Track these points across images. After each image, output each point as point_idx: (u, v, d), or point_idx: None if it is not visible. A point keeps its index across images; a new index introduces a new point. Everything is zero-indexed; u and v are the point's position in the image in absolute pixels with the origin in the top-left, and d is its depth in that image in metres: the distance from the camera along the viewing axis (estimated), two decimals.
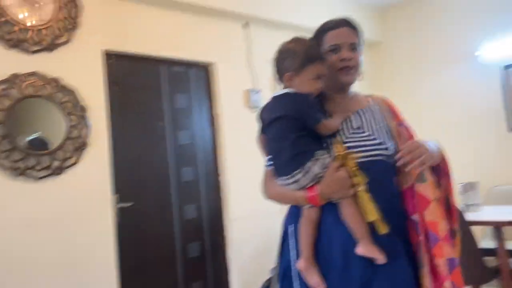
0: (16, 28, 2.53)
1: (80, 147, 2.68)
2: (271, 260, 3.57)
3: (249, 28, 3.77)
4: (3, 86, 2.47)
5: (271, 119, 1.37)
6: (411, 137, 1.44)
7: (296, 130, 1.32)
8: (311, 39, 1.44)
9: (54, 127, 2.67)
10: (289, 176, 1.32)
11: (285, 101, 1.36)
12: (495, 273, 2.79)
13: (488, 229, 3.29)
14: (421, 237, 1.33)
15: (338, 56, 1.39)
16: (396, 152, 1.34)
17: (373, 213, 1.25)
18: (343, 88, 1.46)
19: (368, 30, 4.42)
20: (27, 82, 2.54)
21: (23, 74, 2.54)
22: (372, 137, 1.38)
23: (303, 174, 1.30)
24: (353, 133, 1.39)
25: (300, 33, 1.52)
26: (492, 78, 3.99)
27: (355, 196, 1.28)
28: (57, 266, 2.52)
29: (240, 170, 3.60)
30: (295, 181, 1.31)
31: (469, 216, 2.78)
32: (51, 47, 2.65)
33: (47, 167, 2.56)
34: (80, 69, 2.77)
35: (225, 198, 3.52)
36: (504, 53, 3.88)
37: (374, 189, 1.28)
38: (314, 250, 1.35)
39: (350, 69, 1.40)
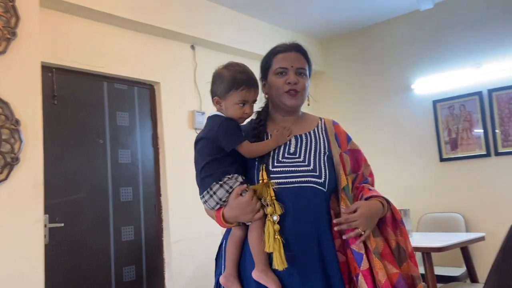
0: None
1: (11, 162, 2.52)
2: (212, 282, 3.51)
3: (196, 50, 3.79)
4: None
5: (195, 141, 1.45)
6: (359, 163, 1.47)
7: (212, 152, 1.36)
8: (243, 65, 1.44)
9: None
10: (200, 196, 1.39)
11: (209, 123, 1.42)
12: None
13: (418, 255, 3.45)
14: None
15: (285, 80, 1.42)
16: (332, 179, 1.38)
17: (271, 247, 1.27)
18: (289, 111, 1.48)
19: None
20: None
21: None
22: (305, 163, 1.38)
23: (210, 196, 1.36)
24: (287, 157, 1.39)
25: (244, 57, 1.56)
26: (426, 110, 4.27)
27: (264, 224, 1.31)
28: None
29: (181, 192, 3.54)
30: (205, 202, 1.38)
31: None
32: None
33: None
34: (16, 81, 2.63)
35: (166, 220, 3.45)
36: (434, 88, 4.17)
37: (299, 214, 1.32)
38: (237, 266, 1.37)
39: (296, 93, 1.43)
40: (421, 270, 2.97)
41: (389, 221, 1.41)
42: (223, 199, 1.35)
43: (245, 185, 1.34)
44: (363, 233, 1.31)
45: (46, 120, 2.78)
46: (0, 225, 2.44)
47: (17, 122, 2.59)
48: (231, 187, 1.34)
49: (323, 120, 1.54)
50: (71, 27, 3.01)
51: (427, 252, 2.85)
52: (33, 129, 2.65)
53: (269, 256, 1.32)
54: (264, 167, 1.36)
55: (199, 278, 3.52)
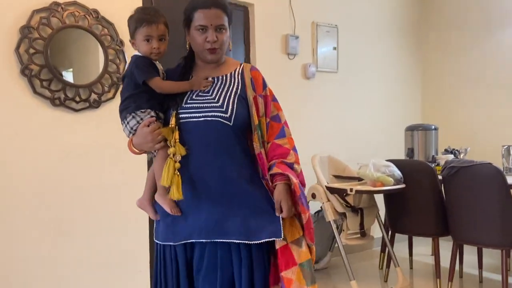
0: None
1: (117, 82, 2.68)
2: None
3: None
4: (43, 14, 2.45)
5: (121, 79, 1.68)
6: (268, 105, 1.60)
7: (130, 88, 1.54)
8: (148, 7, 1.62)
9: (92, 60, 2.67)
10: (121, 125, 1.58)
11: (129, 62, 1.60)
12: None
13: None
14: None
15: (205, 37, 1.53)
16: (239, 115, 1.53)
17: (166, 181, 1.47)
18: (210, 63, 1.61)
19: None
20: (67, 11, 2.51)
21: (64, 3, 2.51)
22: (214, 101, 1.53)
23: (125, 126, 1.55)
24: (200, 95, 1.55)
25: None
26: None
27: (165, 159, 1.50)
28: (91, 195, 2.61)
29: None
30: (124, 131, 1.58)
31: (509, 180, 2.79)
32: None
33: (85, 100, 2.59)
34: (119, 1, 2.71)
35: None
36: None
37: (204, 145, 1.50)
38: (152, 193, 1.61)
39: (215, 49, 1.54)
40: None
41: (297, 198, 1.54)
42: (134, 128, 1.53)
43: (153, 118, 1.52)
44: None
45: None
46: (110, 138, 2.65)
47: (122, 42, 2.70)
48: (141, 119, 1.52)
49: (242, 65, 1.65)
50: None
51: None
52: (133, 51, 2.76)
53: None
54: (175, 113, 1.52)
55: None
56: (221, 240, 1.49)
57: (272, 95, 1.65)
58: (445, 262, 3.23)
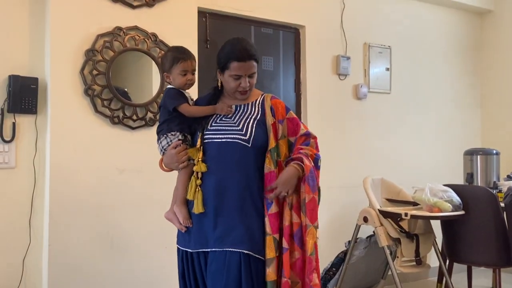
0: None
1: None
2: (347, 232, 3.44)
3: None
4: (107, 38, 2.59)
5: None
6: (296, 128, 1.80)
7: (165, 115, 1.82)
8: (181, 46, 1.89)
9: (147, 80, 2.78)
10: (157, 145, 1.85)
11: (163, 94, 1.88)
12: None
13: None
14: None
15: (238, 83, 1.75)
16: (258, 138, 1.72)
17: (191, 196, 1.72)
18: None
19: None
20: (128, 36, 2.64)
21: (126, 28, 2.65)
22: (235, 125, 1.74)
23: (158, 144, 1.82)
24: (223, 120, 1.77)
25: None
26: None
27: (189, 176, 1.75)
28: (145, 209, 2.68)
29: (322, 139, 3.51)
30: (158, 148, 1.83)
31: None
32: (150, 2, 2.72)
33: (142, 118, 2.69)
34: (175, 25, 2.83)
35: None
36: None
37: (224, 163, 1.70)
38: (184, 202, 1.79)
39: (246, 91, 1.78)
40: None
41: (305, 178, 1.73)
42: (165, 148, 1.79)
43: (179, 142, 1.77)
44: (286, 194, 1.70)
45: (199, 62, 2.95)
46: None
47: None
48: (171, 140, 1.77)
49: (263, 96, 1.85)
50: None
51: None
52: None
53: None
54: (201, 135, 1.74)
55: (336, 227, 3.55)
56: (231, 249, 1.65)
57: (295, 117, 1.84)
58: None
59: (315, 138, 1.85)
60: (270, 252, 1.66)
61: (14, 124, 2.44)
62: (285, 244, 1.68)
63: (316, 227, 1.71)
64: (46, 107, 2.50)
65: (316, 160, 1.78)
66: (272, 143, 1.73)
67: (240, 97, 1.79)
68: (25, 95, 2.42)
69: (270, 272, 1.65)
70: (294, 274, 1.69)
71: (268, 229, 1.68)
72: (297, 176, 1.71)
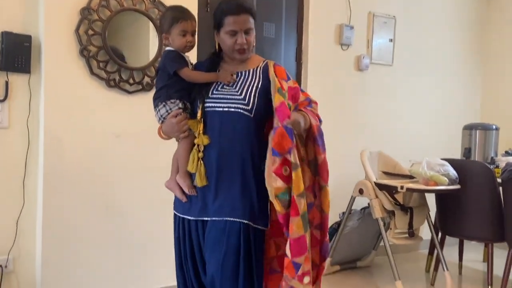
0: None
1: None
2: (341, 204, 3.47)
3: None
4: None
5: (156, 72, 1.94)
6: (297, 96, 1.73)
7: (163, 79, 1.71)
8: (180, 6, 1.79)
9: (144, 43, 2.70)
10: (154, 112, 1.76)
11: (162, 57, 1.79)
12: None
13: None
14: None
15: (234, 40, 1.66)
16: (260, 108, 1.66)
17: (193, 168, 1.67)
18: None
19: None
20: None
21: None
22: (237, 93, 1.67)
23: (156, 113, 1.73)
24: (225, 88, 1.69)
25: None
26: None
27: (190, 145, 1.69)
28: (141, 175, 2.66)
29: (322, 109, 3.48)
30: (155, 117, 1.75)
31: None
32: None
33: (139, 82, 2.63)
34: None
35: None
36: None
37: (225, 134, 1.65)
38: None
39: (244, 50, 1.69)
40: None
41: (311, 136, 1.71)
42: (164, 116, 1.70)
43: (180, 110, 1.68)
44: (302, 125, 1.64)
45: (199, 26, 2.87)
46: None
47: None
48: (171, 109, 1.69)
49: (265, 62, 1.77)
50: None
51: None
52: None
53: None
54: (201, 106, 1.67)
55: (331, 198, 3.54)
56: (231, 219, 1.63)
57: (299, 86, 1.78)
58: (496, 270, 3.05)
59: (316, 103, 1.80)
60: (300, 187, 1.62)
61: (7, 83, 2.38)
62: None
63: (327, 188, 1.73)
64: (40, 66, 2.43)
65: (320, 122, 1.75)
66: (275, 102, 1.64)
67: (238, 57, 1.70)
68: (18, 53, 2.35)
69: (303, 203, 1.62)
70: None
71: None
72: (304, 121, 1.66)
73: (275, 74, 1.70)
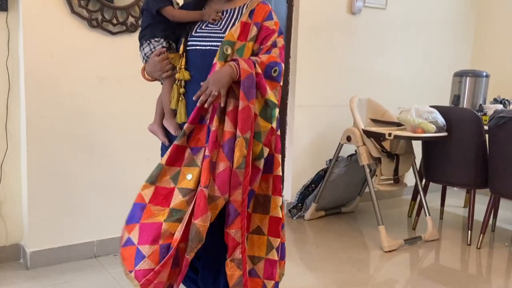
0: None
1: None
2: (329, 151, 3.54)
3: None
4: None
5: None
6: (264, 38, 1.61)
7: (148, 19, 1.69)
8: None
9: None
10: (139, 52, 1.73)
11: None
12: None
13: None
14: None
15: None
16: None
17: (174, 104, 1.64)
18: None
19: None
20: None
21: None
22: (221, 31, 1.62)
23: (140, 52, 1.71)
24: (209, 26, 1.65)
25: None
26: None
27: (172, 86, 1.65)
28: (125, 119, 2.62)
29: (311, 56, 3.42)
30: (140, 55, 1.72)
31: None
32: None
33: (122, 23, 2.52)
34: None
35: (292, 83, 3.42)
36: None
37: (207, 70, 1.55)
38: (162, 118, 1.74)
39: None
40: None
41: (240, 83, 1.53)
42: (147, 55, 1.68)
43: (164, 49, 1.65)
44: (216, 93, 1.50)
45: None
46: None
47: None
48: (155, 48, 1.66)
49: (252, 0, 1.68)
50: None
51: None
52: None
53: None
54: (184, 41, 1.64)
55: (318, 145, 3.57)
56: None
57: (278, 28, 1.65)
58: (477, 215, 3.15)
59: (281, 47, 1.64)
60: (191, 183, 1.51)
61: None
62: (206, 152, 1.50)
63: (246, 139, 1.51)
64: (18, 3, 2.30)
65: (269, 68, 1.57)
66: (229, 36, 1.56)
67: None
68: None
69: (182, 201, 1.51)
70: (216, 187, 1.50)
71: (199, 162, 1.52)
72: (230, 76, 1.51)
73: (254, 10, 1.62)
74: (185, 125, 1.57)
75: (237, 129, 1.51)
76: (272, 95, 1.57)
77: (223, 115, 1.54)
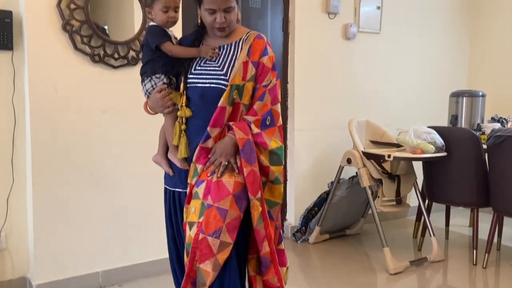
0: None
1: None
2: (328, 176, 3.56)
3: None
4: None
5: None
6: (260, 76, 1.67)
7: (148, 55, 1.73)
8: None
9: (128, 17, 2.66)
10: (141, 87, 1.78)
11: (146, 31, 1.82)
12: None
13: None
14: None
15: (213, 18, 1.65)
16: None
17: (176, 140, 1.70)
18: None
19: None
20: None
21: None
22: (219, 68, 1.67)
23: (143, 87, 1.76)
24: (207, 63, 1.70)
25: None
26: None
27: (174, 120, 1.71)
28: (129, 150, 2.67)
29: (309, 80, 3.49)
30: (142, 91, 1.77)
31: None
32: None
33: (123, 57, 2.60)
34: None
35: (291, 107, 3.48)
36: None
37: (208, 109, 1.64)
38: (165, 149, 1.80)
39: (223, 28, 1.68)
40: None
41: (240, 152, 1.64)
42: (149, 91, 1.73)
43: (165, 86, 1.71)
44: (226, 163, 1.62)
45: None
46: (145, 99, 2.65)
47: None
48: (156, 84, 1.71)
49: (248, 34, 1.73)
50: None
51: None
52: None
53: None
54: (184, 78, 1.69)
55: (319, 168, 3.60)
56: None
57: (272, 64, 1.71)
58: (481, 234, 3.14)
59: (276, 85, 1.70)
60: (194, 216, 1.60)
61: None
62: (209, 201, 1.61)
63: (259, 200, 1.61)
64: (23, 43, 2.39)
65: (263, 121, 1.66)
66: (236, 80, 1.63)
67: (219, 34, 1.69)
68: (0, 29, 2.31)
69: (189, 235, 1.60)
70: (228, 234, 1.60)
71: (200, 194, 1.61)
72: (235, 145, 1.62)
73: (250, 46, 1.67)
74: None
75: (248, 193, 1.60)
76: (274, 142, 1.67)
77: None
